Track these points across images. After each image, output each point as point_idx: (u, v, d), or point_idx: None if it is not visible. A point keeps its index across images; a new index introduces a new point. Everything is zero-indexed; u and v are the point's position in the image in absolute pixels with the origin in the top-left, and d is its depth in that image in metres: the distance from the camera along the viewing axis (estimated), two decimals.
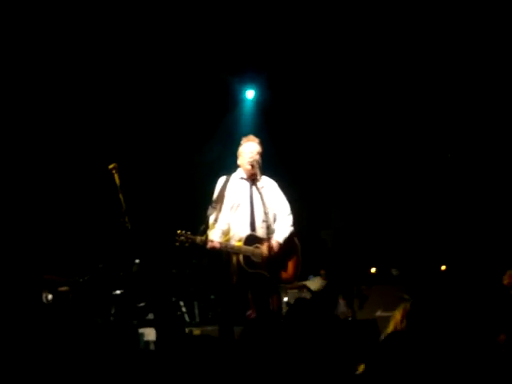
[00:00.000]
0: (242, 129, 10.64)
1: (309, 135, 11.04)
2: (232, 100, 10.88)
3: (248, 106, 10.99)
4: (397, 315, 3.90)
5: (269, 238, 5.94)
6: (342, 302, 8.87)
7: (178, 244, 5.81)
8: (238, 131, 10.53)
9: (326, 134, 11.02)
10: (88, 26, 8.91)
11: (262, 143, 6.31)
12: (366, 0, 9.15)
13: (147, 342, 7.43)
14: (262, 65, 10.25)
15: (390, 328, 3.99)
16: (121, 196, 6.26)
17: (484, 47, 9.21)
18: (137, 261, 8.95)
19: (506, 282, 5.92)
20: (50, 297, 7.65)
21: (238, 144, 6.40)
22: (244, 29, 9.63)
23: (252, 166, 6.13)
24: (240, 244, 5.96)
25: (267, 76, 10.48)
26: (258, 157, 6.18)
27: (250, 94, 10.92)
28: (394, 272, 9.47)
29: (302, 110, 10.82)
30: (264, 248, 5.95)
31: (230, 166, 6.62)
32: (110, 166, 6.37)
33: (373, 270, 9.77)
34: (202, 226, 5.98)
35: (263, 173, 6.21)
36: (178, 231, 5.81)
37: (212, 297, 9.58)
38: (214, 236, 5.94)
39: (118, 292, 8.47)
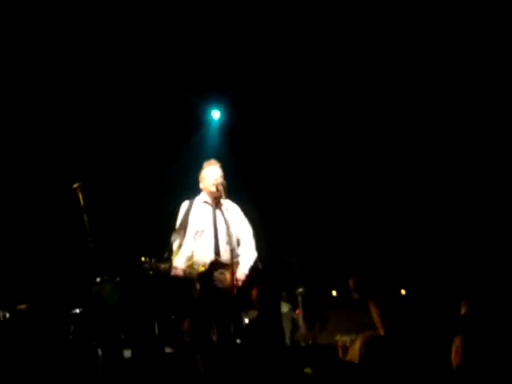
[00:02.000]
0: (207, 149, 10.68)
1: (273, 156, 11.07)
2: (198, 120, 10.88)
3: (213, 127, 11.01)
4: (356, 345, 3.93)
5: (233, 264, 5.96)
6: (302, 326, 8.90)
7: (142, 271, 5.79)
8: (203, 151, 10.59)
9: (291, 154, 11.06)
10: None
11: (223, 167, 6.35)
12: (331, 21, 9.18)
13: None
14: (228, 85, 10.27)
15: (348, 356, 4.02)
16: (84, 216, 6.23)
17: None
18: (98, 279, 8.87)
19: (463, 311, 6.01)
20: (7, 315, 7.52)
21: (201, 163, 6.43)
22: (212, 48, 9.65)
23: (217, 187, 6.15)
24: (203, 269, 5.96)
25: (233, 97, 10.51)
26: (221, 180, 6.21)
27: (215, 114, 10.93)
28: (355, 296, 9.52)
29: (266, 131, 10.86)
30: (228, 275, 5.96)
31: (192, 186, 6.64)
32: (75, 186, 6.35)
33: (334, 292, 9.82)
34: (165, 252, 5.96)
35: (227, 196, 6.25)
36: (142, 258, 5.79)
37: (172, 317, 9.53)
38: (178, 262, 5.95)
39: (77, 311, 8.38)
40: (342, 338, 8.10)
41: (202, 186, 6.29)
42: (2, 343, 6.99)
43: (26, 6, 8.32)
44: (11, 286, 7.69)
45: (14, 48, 8.71)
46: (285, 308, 9.37)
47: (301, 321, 8.92)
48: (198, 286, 5.97)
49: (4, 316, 7.45)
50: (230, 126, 10.86)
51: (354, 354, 3.83)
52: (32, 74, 9.17)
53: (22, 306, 7.68)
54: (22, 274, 8.42)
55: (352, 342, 6.94)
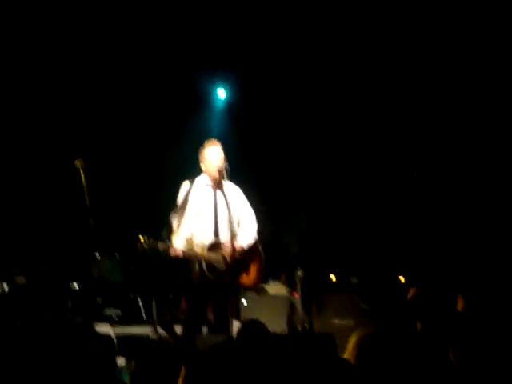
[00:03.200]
0: (212, 128, 10.62)
1: (277, 138, 11.02)
2: (203, 98, 10.80)
3: (219, 106, 10.93)
4: (350, 344, 3.87)
5: (232, 243, 5.95)
6: (300, 309, 8.89)
7: (140, 250, 5.77)
8: (208, 130, 10.54)
9: (295, 136, 11.01)
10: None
11: (227, 147, 6.30)
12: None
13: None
14: (235, 64, 10.19)
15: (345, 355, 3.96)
16: (86, 196, 6.22)
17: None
18: (97, 255, 8.88)
19: (459, 307, 5.97)
20: (5, 287, 7.54)
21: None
22: (219, 27, 9.56)
23: (220, 172, 6.11)
24: (203, 251, 5.95)
25: (239, 76, 10.43)
26: (225, 163, 6.17)
27: (221, 93, 10.84)
28: (354, 280, 9.52)
29: (271, 112, 10.79)
30: (226, 250, 5.95)
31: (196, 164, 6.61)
32: (77, 162, 6.32)
33: (332, 277, 9.82)
34: (164, 230, 5.94)
35: (231, 179, 6.22)
36: (141, 237, 5.77)
37: (170, 296, 9.55)
38: (177, 243, 5.92)
39: (76, 287, 8.41)
40: (339, 322, 8.14)
41: (203, 167, 6.24)
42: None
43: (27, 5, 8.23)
44: (11, 260, 7.69)
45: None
46: (283, 291, 9.37)
47: (298, 304, 8.92)
48: (196, 266, 5.96)
49: (2, 288, 7.45)
50: (236, 106, 10.77)
51: (348, 353, 3.77)
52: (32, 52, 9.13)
53: (21, 279, 7.68)
54: (23, 249, 8.43)
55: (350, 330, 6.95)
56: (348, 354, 3.73)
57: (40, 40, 8.99)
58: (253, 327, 4.07)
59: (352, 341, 3.77)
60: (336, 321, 8.10)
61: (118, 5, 8.87)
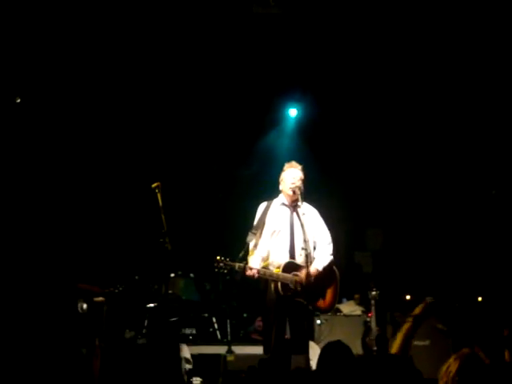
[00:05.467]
0: (282, 147, 10.65)
1: (346, 154, 10.96)
2: (274, 117, 10.85)
3: (290, 124, 10.96)
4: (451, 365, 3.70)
5: (307, 267, 5.93)
6: (374, 329, 8.78)
7: (216, 270, 5.82)
8: (279, 149, 10.58)
9: (368, 153, 10.93)
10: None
11: (305, 169, 6.31)
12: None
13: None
14: (307, 83, 10.21)
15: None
16: (162, 216, 6.33)
17: None
18: (172, 275, 9.00)
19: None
20: (85, 306, 7.69)
21: (277, 162, 6.41)
22: (289, 47, 9.61)
23: (294, 192, 6.13)
24: (278, 271, 5.95)
25: (311, 94, 10.44)
26: (299, 183, 6.18)
27: (292, 111, 10.88)
28: (429, 300, 9.33)
29: (344, 129, 10.76)
30: (302, 275, 5.94)
31: (268, 184, 6.64)
32: (154, 185, 6.46)
33: (407, 297, 9.66)
34: (241, 251, 5.98)
35: (304, 199, 6.21)
36: (217, 257, 5.82)
37: (245, 315, 9.59)
38: (253, 263, 5.95)
39: (151, 305, 8.54)
40: (415, 343, 8.02)
41: (281, 187, 6.28)
42: (80, 335, 7.15)
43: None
44: (90, 279, 7.85)
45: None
46: (358, 311, 9.28)
47: (373, 324, 8.82)
48: (272, 286, 5.97)
49: (82, 307, 7.60)
50: (308, 124, 10.78)
51: (447, 380, 3.57)
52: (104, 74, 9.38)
53: (99, 299, 7.83)
54: (101, 268, 8.61)
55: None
56: (447, 374, 3.58)
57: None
58: (336, 348, 4.03)
59: (452, 364, 3.60)
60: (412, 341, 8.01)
61: (188, 27, 9.01)
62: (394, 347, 8.02)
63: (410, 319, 8.24)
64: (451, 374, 3.54)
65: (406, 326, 8.15)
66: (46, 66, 8.77)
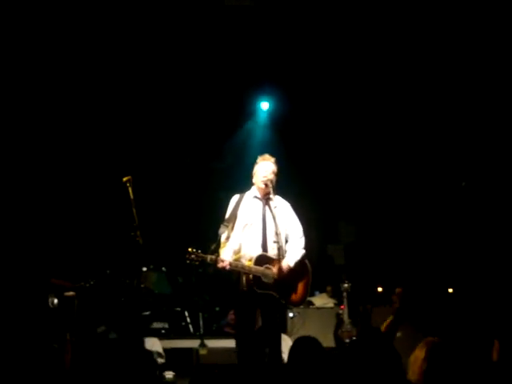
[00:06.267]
0: (255, 140, 10.67)
1: (320, 148, 11.00)
2: (246, 110, 10.85)
3: (262, 117, 10.97)
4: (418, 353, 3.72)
5: (279, 260, 5.92)
6: (347, 321, 8.84)
7: (188, 262, 5.80)
8: (251, 142, 10.59)
9: (339, 145, 10.97)
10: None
11: (277, 162, 6.30)
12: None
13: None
14: (278, 76, 10.21)
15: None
16: (134, 210, 6.29)
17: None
18: (144, 269, 8.97)
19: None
20: (55, 301, 7.64)
21: (250, 155, 6.39)
22: (259, 40, 9.60)
23: (266, 185, 6.11)
24: (250, 264, 5.94)
25: (282, 88, 10.44)
26: (272, 176, 6.16)
27: (264, 105, 10.89)
28: (399, 290, 9.40)
29: (314, 122, 10.79)
30: (274, 270, 5.93)
31: (242, 177, 6.63)
32: (125, 179, 6.42)
33: (379, 289, 9.73)
34: (213, 244, 5.96)
35: (277, 192, 6.21)
36: (189, 249, 5.80)
37: (217, 308, 9.58)
38: (225, 255, 5.93)
39: (122, 299, 8.49)
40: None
41: (253, 180, 6.25)
42: (51, 330, 7.11)
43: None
44: (61, 274, 7.80)
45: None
46: (330, 303, 9.33)
47: (345, 316, 8.88)
48: (243, 278, 5.96)
49: (52, 302, 7.55)
50: (280, 118, 10.79)
51: (415, 369, 3.58)
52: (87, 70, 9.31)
53: (70, 293, 7.78)
54: (71, 262, 8.54)
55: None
56: (415, 363, 3.60)
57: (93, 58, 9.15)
58: (306, 343, 4.03)
59: (419, 352, 3.63)
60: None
61: (165, 18, 8.96)
62: None
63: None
64: (418, 362, 3.58)
65: (387, 321, 8.22)
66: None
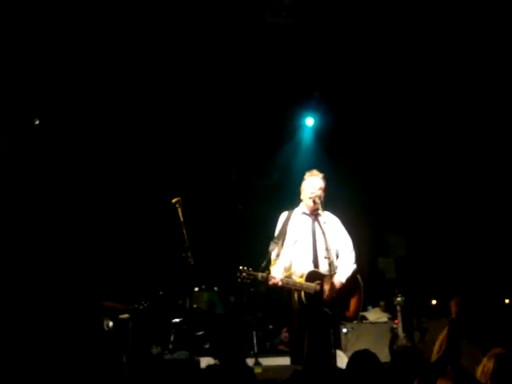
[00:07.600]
0: (302, 156, 10.66)
1: (365, 160, 10.93)
2: (291, 127, 10.86)
3: (307, 133, 10.96)
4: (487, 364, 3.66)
5: (331, 276, 5.89)
6: (401, 335, 8.72)
7: (239, 280, 5.81)
8: (298, 158, 10.58)
9: (383, 157, 10.89)
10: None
11: (326, 178, 6.28)
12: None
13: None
14: (323, 92, 10.23)
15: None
16: (184, 231, 6.35)
17: None
18: (196, 289, 9.00)
19: None
20: (110, 324, 7.73)
21: (296, 171, 6.38)
22: (305, 57, 9.63)
23: (314, 201, 6.10)
24: (302, 280, 5.93)
25: (327, 103, 10.44)
26: (319, 192, 6.16)
27: (309, 121, 10.88)
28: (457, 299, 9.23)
29: (363, 135, 10.74)
30: (326, 286, 5.90)
31: (288, 193, 6.62)
32: (174, 200, 6.49)
33: (433, 301, 9.59)
34: (263, 261, 5.97)
35: (325, 208, 6.19)
36: (240, 267, 5.81)
37: (270, 326, 9.55)
38: (276, 272, 5.93)
39: (177, 320, 8.53)
40: None
41: (301, 196, 6.26)
42: (107, 352, 7.18)
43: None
44: (114, 297, 7.89)
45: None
46: (384, 318, 9.22)
47: (400, 330, 8.76)
48: (295, 295, 5.95)
49: (108, 325, 7.64)
50: (326, 133, 10.77)
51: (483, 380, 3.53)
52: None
53: (124, 316, 7.86)
54: (125, 285, 8.64)
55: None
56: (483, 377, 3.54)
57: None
58: (364, 357, 4.00)
59: (489, 363, 3.57)
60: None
61: (204, 38, 9.07)
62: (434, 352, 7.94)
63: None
64: (488, 374, 3.52)
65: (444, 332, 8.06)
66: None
